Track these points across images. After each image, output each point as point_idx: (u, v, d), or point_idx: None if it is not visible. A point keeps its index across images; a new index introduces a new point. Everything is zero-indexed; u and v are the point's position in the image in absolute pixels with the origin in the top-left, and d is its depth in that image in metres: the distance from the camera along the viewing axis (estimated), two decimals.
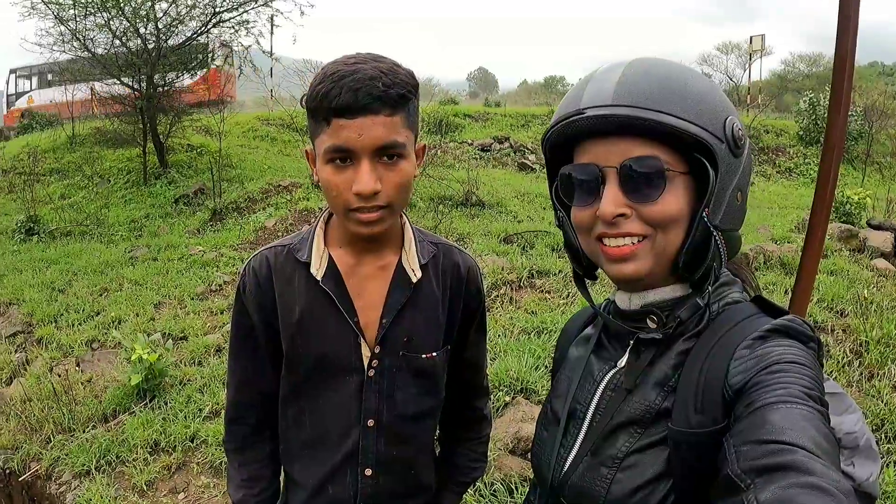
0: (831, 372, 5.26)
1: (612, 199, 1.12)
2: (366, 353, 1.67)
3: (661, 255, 1.14)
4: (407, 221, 1.74)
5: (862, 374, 5.26)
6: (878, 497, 1.15)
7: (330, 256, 1.67)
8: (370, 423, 1.69)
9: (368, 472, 1.71)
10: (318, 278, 1.64)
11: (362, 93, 1.39)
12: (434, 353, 1.73)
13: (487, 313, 6.47)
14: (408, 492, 1.80)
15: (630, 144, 1.11)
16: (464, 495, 2.07)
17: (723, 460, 0.91)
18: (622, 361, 1.25)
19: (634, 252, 1.13)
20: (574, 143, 1.20)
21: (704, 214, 1.10)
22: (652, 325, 1.19)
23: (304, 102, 1.50)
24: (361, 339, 1.66)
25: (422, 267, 1.71)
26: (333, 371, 1.69)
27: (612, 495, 1.11)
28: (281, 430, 1.80)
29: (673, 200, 1.11)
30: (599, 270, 1.29)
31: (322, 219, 1.73)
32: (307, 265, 1.66)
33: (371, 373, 1.68)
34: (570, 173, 1.20)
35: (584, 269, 1.31)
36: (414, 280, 1.68)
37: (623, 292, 1.25)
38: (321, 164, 1.49)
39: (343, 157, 1.45)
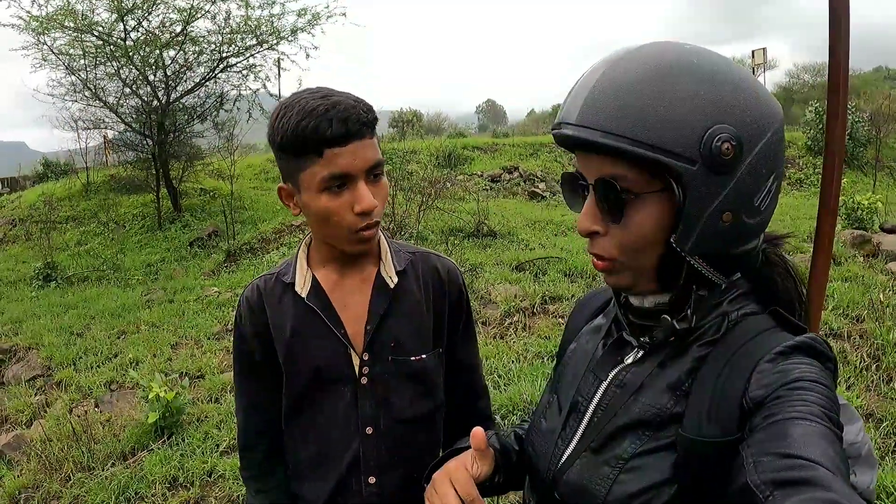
0: (849, 377, 5.25)
1: (586, 214, 1.12)
2: (356, 361, 1.72)
3: (639, 273, 1.13)
4: (382, 235, 1.81)
5: (880, 377, 5.25)
6: (873, 501, 1.17)
7: (314, 276, 1.75)
8: (368, 430, 1.74)
9: (372, 479, 1.75)
10: (304, 295, 1.72)
11: (351, 121, 1.49)
12: (423, 356, 1.78)
13: (500, 340, 6.57)
14: (412, 495, 1.78)
15: (603, 161, 1.08)
16: None
17: (739, 469, 0.89)
18: (629, 358, 1.22)
19: (610, 269, 1.13)
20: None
21: (672, 239, 1.05)
22: (666, 323, 1.14)
23: (277, 143, 1.55)
24: (350, 348, 1.72)
25: (400, 273, 1.78)
26: (328, 383, 1.74)
27: (613, 496, 1.09)
28: (287, 450, 1.84)
29: (640, 222, 1.07)
30: None
31: (304, 243, 1.81)
32: (293, 286, 1.74)
33: (364, 380, 1.73)
34: (564, 179, 1.22)
35: None
36: (392, 285, 1.75)
37: None
38: (313, 194, 1.55)
39: (340, 182, 1.52)
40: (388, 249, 1.80)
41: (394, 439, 1.76)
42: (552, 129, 1.14)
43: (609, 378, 1.22)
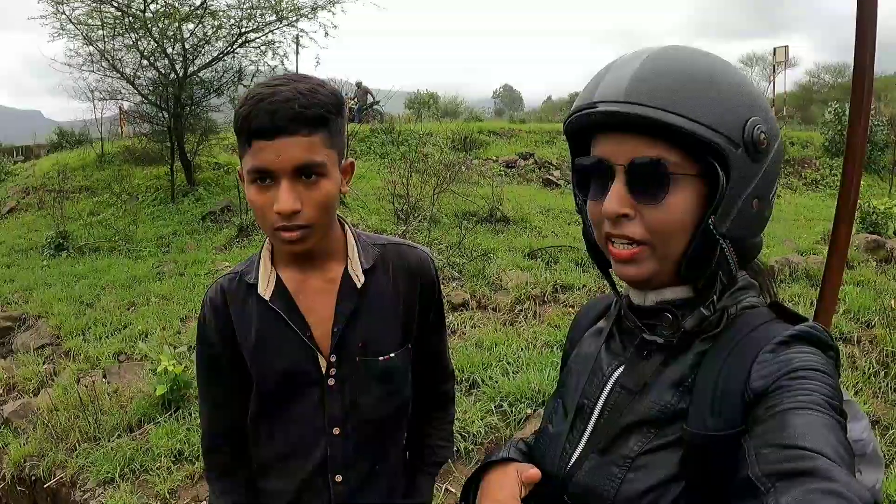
0: (857, 383, 5.22)
1: (616, 197, 1.09)
2: (323, 364, 1.69)
3: (665, 260, 1.12)
4: (349, 230, 1.76)
5: (889, 384, 5.21)
6: (881, 503, 1.15)
7: (278, 276, 1.70)
8: (336, 431, 1.71)
9: (339, 478, 1.73)
10: (267, 298, 1.67)
11: (278, 115, 1.42)
12: (392, 354, 1.75)
13: (510, 327, 6.55)
14: (380, 491, 1.81)
15: (639, 143, 1.08)
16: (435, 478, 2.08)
17: (742, 462, 0.90)
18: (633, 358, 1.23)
19: (635, 256, 1.11)
20: (590, 133, 1.18)
21: (710, 221, 1.06)
22: (667, 322, 1.16)
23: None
24: (316, 351, 1.68)
25: (368, 271, 1.72)
26: (296, 385, 1.71)
27: (622, 495, 1.09)
28: (251, 448, 1.81)
29: (678, 204, 1.07)
30: None
31: (269, 240, 1.75)
32: (256, 287, 1.69)
33: (331, 382, 1.70)
34: (582, 165, 1.18)
35: (599, 260, 1.29)
36: (358, 286, 1.70)
37: (635, 289, 1.23)
38: (247, 184, 1.52)
39: (264, 177, 1.47)
40: (356, 246, 1.74)
41: (361, 439, 1.75)
42: (580, 111, 1.13)
43: (613, 379, 1.23)
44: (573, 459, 1.22)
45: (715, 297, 1.12)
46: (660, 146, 1.06)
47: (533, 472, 1.21)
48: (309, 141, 1.46)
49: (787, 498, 0.78)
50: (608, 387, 1.23)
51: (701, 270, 1.11)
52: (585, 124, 1.14)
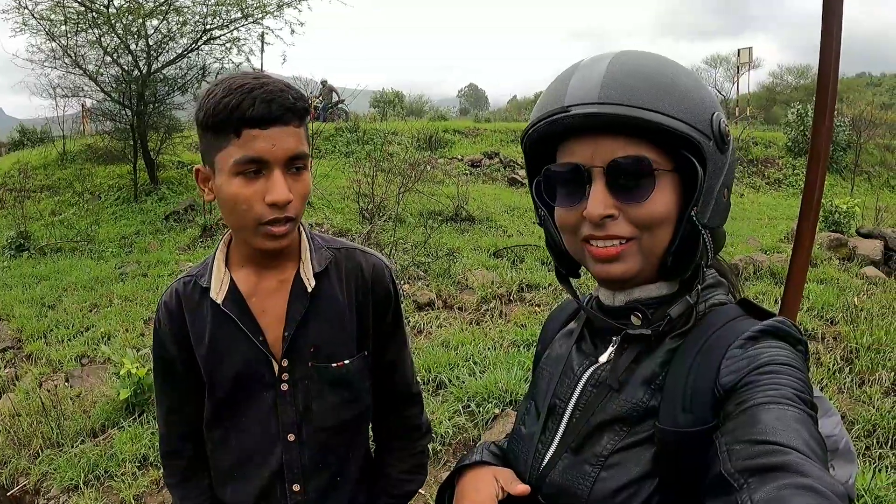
0: (822, 379, 5.33)
1: (599, 199, 1.09)
2: (276, 367, 1.67)
3: (649, 255, 1.13)
4: (304, 231, 1.74)
5: (853, 380, 5.33)
6: (854, 499, 1.16)
7: (231, 278, 1.67)
8: (290, 437, 1.69)
9: (296, 487, 1.71)
10: (219, 302, 1.65)
11: (275, 104, 1.42)
12: (346, 361, 1.72)
13: (476, 326, 6.58)
14: (337, 500, 1.79)
15: (617, 143, 1.08)
16: None
17: (714, 459, 0.90)
18: (603, 357, 1.23)
19: (621, 252, 1.11)
20: (557, 141, 1.17)
21: (693, 213, 1.08)
22: (636, 322, 1.17)
23: (200, 120, 1.48)
24: (269, 355, 1.66)
25: (319, 274, 1.70)
26: (250, 390, 1.68)
27: (596, 494, 1.09)
28: (209, 455, 1.78)
29: (661, 200, 1.09)
30: (583, 268, 1.26)
31: (224, 241, 1.73)
32: (209, 290, 1.67)
33: (284, 387, 1.68)
34: (554, 173, 1.17)
35: (567, 268, 1.29)
36: (309, 289, 1.68)
37: (607, 289, 1.24)
38: (226, 177, 1.47)
39: (255, 168, 1.45)
40: (309, 248, 1.72)
41: (317, 446, 1.72)
42: (549, 117, 1.12)
43: (585, 378, 1.23)
44: (546, 460, 1.22)
45: (699, 287, 1.15)
46: (640, 144, 1.08)
47: (522, 487, 1.21)
48: (298, 132, 1.49)
49: (760, 494, 0.78)
50: (579, 386, 1.23)
51: (687, 262, 1.13)
52: (558, 130, 1.13)
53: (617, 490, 1.07)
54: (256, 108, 1.40)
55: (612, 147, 1.08)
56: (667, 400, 1.06)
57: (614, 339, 1.22)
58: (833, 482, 0.79)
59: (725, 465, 0.86)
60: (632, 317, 1.18)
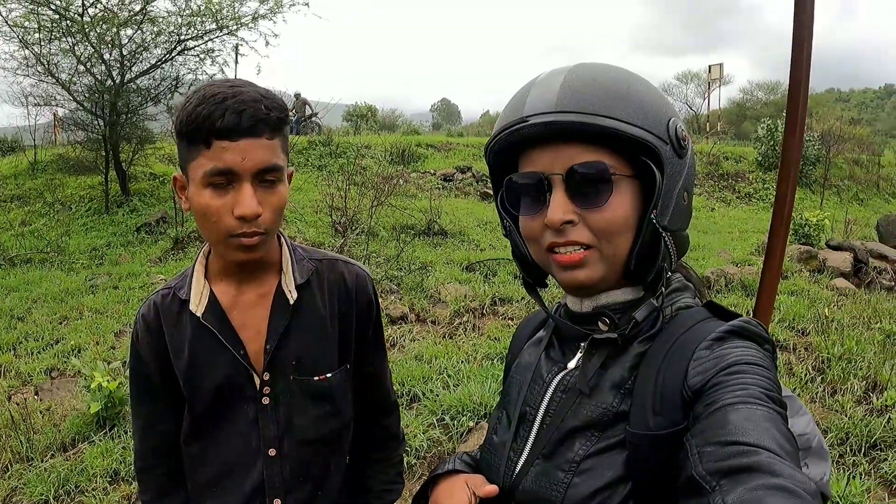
0: (794, 389, 5.41)
1: (559, 205, 1.11)
2: (257, 381, 1.66)
3: (612, 261, 1.14)
4: (286, 242, 1.73)
5: (825, 389, 5.43)
6: (830, 497, 1.18)
7: (211, 291, 1.66)
8: (271, 452, 1.67)
9: (277, 501, 1.69)
10: (199, 315, 1.63)
11: (246, 115, 1.39)
12: (328, 374, 1.71)
13: (450, 340, 6.59)
14: None
15: (575, 150, 1.11)
16: None
17: (685, 461, 0.90)
18: (572, 363, 1.24)
19: (585, 259, 1.13)
20: (518, 151, 1.20)
21: (653, 216, 1.10)
22: (603, 328, 1.19)
23: (177, 128, 1.46)
24: (250, 368, 1.65)
25: (301, 286, 1.69)
26: (230, 404, 1.67)
27: (569, 499, 1.09)
28: (186, 470, 1.76)
29: (619, 205, 1.11)
30: (550, 277, 1.28)
31: (203, 253, 1.71)
32: (189, 302, 1.65)
33: (265, 401, 1.66)
34: (515, 182, 1.20)
35: (534, 278, 1.31)
36: (291, 301, 1.67)
37: (574, 296, 1.25)
38: (197, 188, 1.46)
39: (224, 180, 1.43)
40: (291, 260, 1.71)
41: (298, 461, 1.71)
42: (508, 128, 1.15)
43: (554, 384, 1.24)
44: (518, 467, 1.22)
45: (663, 290, 1.17)
46: (597, 151, 1.10)
47: (490, 488, 1.23)
48: (271, 143, 1.45)
49: (732, 496, 0.78)
50: (549, 393, 1.24)
51: (649, 266, 1.15)
52: (516, 140, 1.16)
53: (590, 495, 1.07)
54: (226, 119, 1.38)
55: (571, 154, 1.11)
56: (637, 404, 1.07)
57: (582, 345, 1.23)
58: (805, 480, 0.79)
59: (697, 468, 0.86)
60: (599, 322, 1.20)
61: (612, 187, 1.11)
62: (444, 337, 6.96)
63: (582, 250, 1.13)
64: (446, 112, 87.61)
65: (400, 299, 8.01)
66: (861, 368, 5.74)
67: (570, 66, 1.16)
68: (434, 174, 17.93)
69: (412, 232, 11.78)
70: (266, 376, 1.66)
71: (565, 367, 1.25)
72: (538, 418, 1.24)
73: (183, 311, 1.67)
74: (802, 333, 6.63)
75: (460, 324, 7.30)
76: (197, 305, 1.64)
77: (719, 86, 27.54)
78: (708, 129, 25.93)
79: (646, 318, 1.16)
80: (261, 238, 1.50)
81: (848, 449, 4.59)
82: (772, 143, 19.80)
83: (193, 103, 1.41)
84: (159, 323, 1.68)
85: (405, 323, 7.35)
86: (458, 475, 1.32)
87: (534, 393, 1.28)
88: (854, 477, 4.17)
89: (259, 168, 1.44)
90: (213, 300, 1.65)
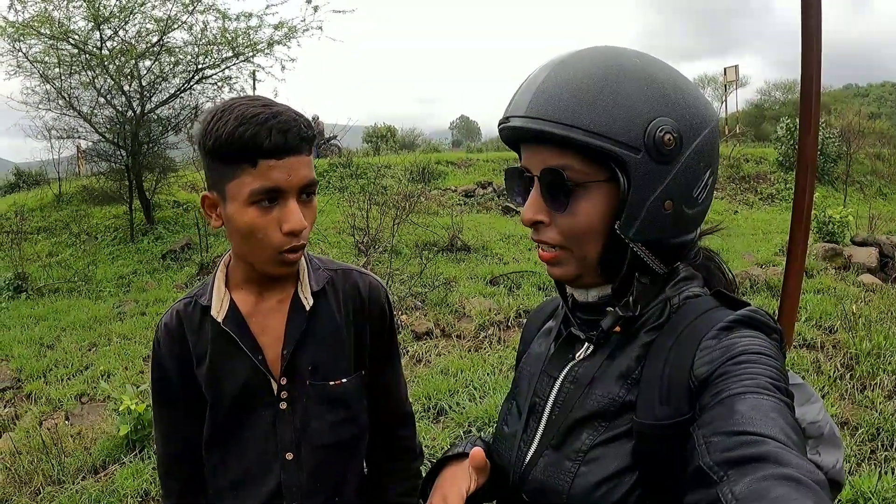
0: (823, 387, 5.36)
1: (530, 206, 1.15)
2: (275, 386, 1.68)
3: (584, 263, 1.15)
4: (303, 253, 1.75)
5: (854, 386, 5.37)
6: (844, 484, 1.16)
7: (231, 298, 1.69)
8: (288, 456, 1.70)
9: None
10: (220, 320, 1.66)
11: (291, 134, 1.44)
12: (343, 380, 1.74)
13: (475, 353, 6.59)
14: None
15: (549, 153, 1.12)
16: None
17: (692, 451, 0.89)
18: (580, 354, 1.24)
19: (556, 258, 1.16)
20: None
21: (616, 226, 1.09)
22: (611, 314, 1.18)
23: (209, 147, 1.47)
24: (268, 373, 1.67)
25: (317, 294, 1.72)
26: (249, 409, 1.70)
27: (576, 489, 1.10)
28: (207, 474, 1.78)
29: (586, 210, 1.11)
30: None
31: (224, 263, 1.74)
32: (210, 309, 1.68)
33: (283, 405, 1.69)
34: (508, 174, 1.25)
35: None
36: (307, 307, 1.70)
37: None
38: (241, 206, 1.48)
39: (271, 198, 1.47)
40: (307, 268, 1.75)
41: (315, 465, 1.72)
42: (499, 125, 1.18)
43: (562, 375, 1.25)
44: (528, 458, 1.23)
45: (631, 299, 1.15)
46: (567, 155, 1.10)
47: (475, 450, 1.21)
48: (309, 160, 1.51)
49: (740, 487, 0.78)
50: (557, 383, 1.25)
51: (614, 273, 1.15)
52: (505, 138, 1.21)
53: (597, 484, 1.08)
54: (273, 139, 1.42)
55: (545, 156, 1.13)
56: (643, 394, 1.07)
57: (592, 334, 1.23)
58: (813, 469, 0.79)
59: (704, 458, 0.86)
60: (607, 311, 1.19)
61: (571, 194, 1.11)
62: (470, 350, 6.96)
63: (554, 250, 1.16)
64: (466, 129, 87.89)
65: (425, 315, 8.01)
66: (890, 363, 5.68)
67: (559, 60, 1.15)
68: (455, 191, 17.94)
69: (435, 248, 11.80)
70: (283, 381, 1.68)
71: (573, 358, 1.26)
72: (547, 409, 1.25)
73: (204, 317, 1.70)
74: (830, 331, 6.58)
75: (485, 337, 7.30)
76: (218, 312, 1.67)
77: (736, 88, 27.32)
78: (727, 132, 25.74)
79: (612, 324, 1.16)
80: (301, 252, 1.57)
81: (879, 445, 4.54)
82: (791, 142, 19.53)
83: (231, 124, 1.43)
84: (182, 330, 1.71)
85: (431, 338, 7.36)
86: (465, 460, 1.30)
87: (543, 384, 1.29)
88: (886, 472, 4.11)
89: (303, 184, 1.49)
90: (233, 307, 1.68)
